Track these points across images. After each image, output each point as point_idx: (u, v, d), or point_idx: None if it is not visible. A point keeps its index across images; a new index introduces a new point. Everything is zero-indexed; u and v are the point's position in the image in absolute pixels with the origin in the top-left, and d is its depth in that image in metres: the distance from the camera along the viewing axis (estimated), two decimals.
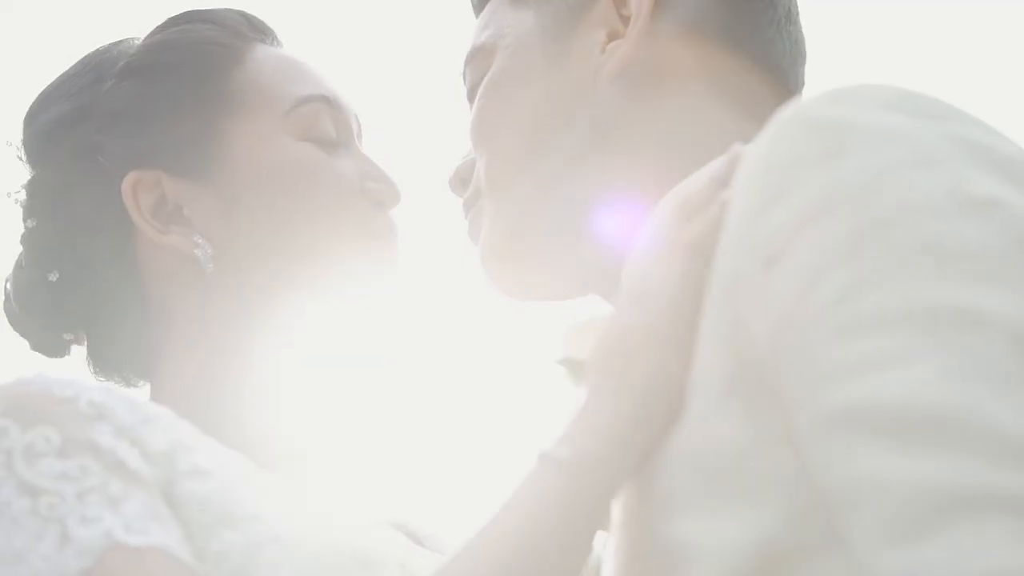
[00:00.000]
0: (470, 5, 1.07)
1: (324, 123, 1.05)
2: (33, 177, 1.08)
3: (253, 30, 1.10)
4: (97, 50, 1.11)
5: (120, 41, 1.11)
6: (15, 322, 1.10)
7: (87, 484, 0.79)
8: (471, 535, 0.76)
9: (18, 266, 1.09)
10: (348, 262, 1.03)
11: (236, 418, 1.00)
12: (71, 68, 1.11)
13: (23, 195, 1.09)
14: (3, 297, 1.11)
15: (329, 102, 1.07)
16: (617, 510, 0.79)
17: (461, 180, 1.02)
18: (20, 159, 1.09)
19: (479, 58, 1.00)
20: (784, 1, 0.98)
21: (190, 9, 1.11)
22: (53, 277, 1.05)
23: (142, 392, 1.08)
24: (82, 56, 1.12)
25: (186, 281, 1.02)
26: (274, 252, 1.01)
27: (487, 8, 1.03)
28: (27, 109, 1.11)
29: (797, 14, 1.00)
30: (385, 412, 1.29)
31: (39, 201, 1.07)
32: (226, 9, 1.11)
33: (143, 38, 1.10)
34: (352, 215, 1.04)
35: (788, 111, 0.73)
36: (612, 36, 0.94)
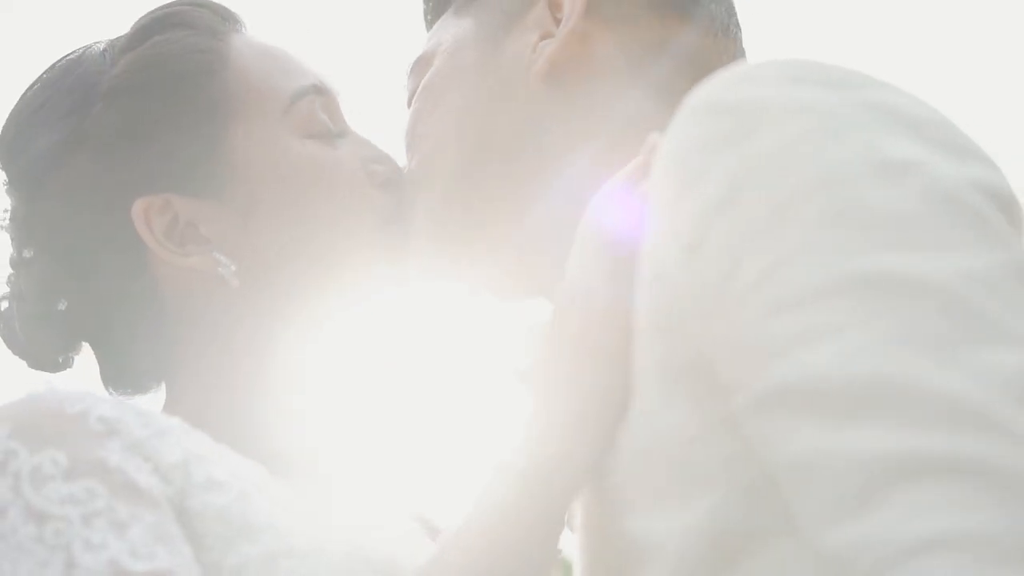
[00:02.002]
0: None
1: (320, 115, 1.04)
2: (27, 209, 1.04)
3: (223, 22, 1.07)
4: (66, 64, 1.06)
5: (84, 51, 1.07)
6: (16, 348, 1.08)
7: (93, 507, 0.79)
8: (435, 552, 0.77)
9: (17, 296, 1.06)
10: (368, 253, 1.03)
11: (254, 427, 0.99)
12: (41, 89, 1.06)
13: (12, 223, 1.06)
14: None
15: (320, 90, 1.05)
16: (578, 510, 0.80)
17: None
18: (5, 190, 1.07)
19: (419, 66, 1.01)
20: (720, 15, 0.97)
21: (158, 13, 1.07)
22: (62, 307, 1.04)
23: (155, 398, 1.06)
24: (45, 70, 1.07)
25: (207, 293, 1.01)
26: (294, 257, 1.00)
27: (437, 23, 1.04)
28: (1, 138, 1.06)
29: (736, 29, 0.99)
30: (400, 408, 1.29)
31: (37, 233, 1.04)
32: (191, 5, 1.08)
33: (120, 49, 1.05)
34: (365, 204, 1.03)
35: (695, 96, 0.73)
36: (545, 37, 0.95)
